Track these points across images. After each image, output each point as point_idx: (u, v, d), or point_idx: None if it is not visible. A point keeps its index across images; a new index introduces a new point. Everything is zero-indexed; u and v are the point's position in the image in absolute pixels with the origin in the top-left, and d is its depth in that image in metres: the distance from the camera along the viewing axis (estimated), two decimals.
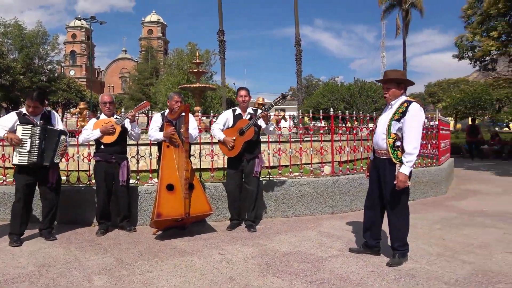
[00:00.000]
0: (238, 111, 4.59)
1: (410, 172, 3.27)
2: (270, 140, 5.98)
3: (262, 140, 6.20)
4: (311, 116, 5.79)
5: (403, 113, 3.23)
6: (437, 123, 7.36)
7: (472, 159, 14.12)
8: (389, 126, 3.29)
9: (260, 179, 5.25)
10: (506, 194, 6.90)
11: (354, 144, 6.02)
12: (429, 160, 7.09)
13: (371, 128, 6.35)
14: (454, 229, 4.53)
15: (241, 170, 4.52)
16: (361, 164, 5.92)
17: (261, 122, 4.44)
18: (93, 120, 4.50)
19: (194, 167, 5.00)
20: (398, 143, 3.25)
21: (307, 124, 5.79)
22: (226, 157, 4.62)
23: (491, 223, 4.79)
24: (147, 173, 5.34)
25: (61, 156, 4.10)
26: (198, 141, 5.36)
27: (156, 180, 4.67)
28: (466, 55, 13.68)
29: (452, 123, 33.87)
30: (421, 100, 46.71)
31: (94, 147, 4.54)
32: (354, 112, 6.55)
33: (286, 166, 5.89)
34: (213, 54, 34.86)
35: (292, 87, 66.62)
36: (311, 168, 5.61)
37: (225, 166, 4.72)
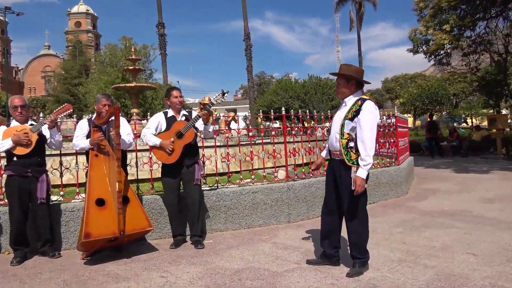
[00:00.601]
0: (171, 113, 4.54)
1: (367, 175, 3.34)
2: (218, 144, 5.91)
3: (208, 144, 6.16)
4: (261, 116, 5.79)
5: (357, 112, 3.29)
6: (394, 120, 7.67)
7: (432, 157, 14.94)
8: (342, 125, 3.35)
9: (207, 187, 5.17)
10: (465, 192, 7.35)
11: (309, 145, 6.11)
12: (388, 159, 7.37)
13: (327, 128, 6.48)
14: (415, 231, 4.72)
15: (180, 178, 4.44)
16: (321, 170, 6.00)
17: (198, 124, 4.43)
18: (2, 127, 4.16)
19: (131, 177, 4.81)
20: (352, 144, 3.31)
21: (259, 125, 5.80)
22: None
23: (451, 223, 5.05)
24: (74, 188, 5.05)
25: None
26: (134, 148, 5.19)
27: (84, 195, 4.42)
28: (421, 49, 14.49)
29: (411, 120, 35.78)
30: (377, 97, 48.79)
31: (5, 159, 4.20)
32: (308, 110, 6.65)
33: (236, 172, 5.85)
34: (152, 49, 34.24)
35: (243, 85, 67.18)
36: (264, 174, 5.61)
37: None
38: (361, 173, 3.23)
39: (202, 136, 4.68)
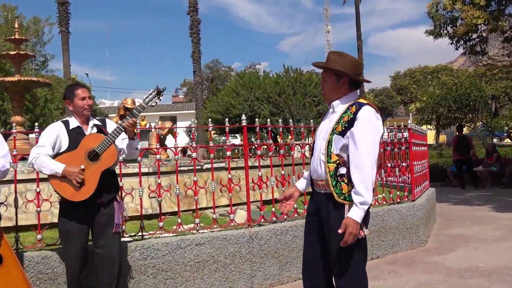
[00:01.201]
0: (75, 122, 4.45)
1: (367, 215, 3.35)
2: (144, 169, 5.86)
3: (129, 170, 6.09)
4: (211, 129, 5.78)
5: (350, 122, 3.32)
6: (407, 134, 7.82)
7: (463, 188, 15.36)
8: (330, 142, 3.37)
9: (127, 237, 5.11)
10: (509, 239, 7.59)
11: (283, 172, 6.12)
12: (397, 192, 7.51)
13: (310, 145, 6.54)
14: None
15: (90, 223, 4.35)
16: (295, 205, 6.02)
17: (118, 140, 4.38)
18: None
19: (6, 224, 4.65)
20: (343, 170, 3.32)
21: (209, 141, 5.80)
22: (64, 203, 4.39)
23: (489, 287, 5.17)
24: None
25: None
26: (14, 178, 5.05)
27: None
28: (445, 31, 14.93)
29: (432, 133, 36.72)
30: (384, 100, 49.52)
31: None
32: (281, 120, 6.69)
33: (173, 213, 5.79)
34: (47, 24, 33.78)
35: (186, 80, 67.10)
36: (215, 216, 5.58)
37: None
38: (355, 213, 3.21)
39: (123, 156, 4.62)
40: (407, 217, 7.12)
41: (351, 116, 3.34)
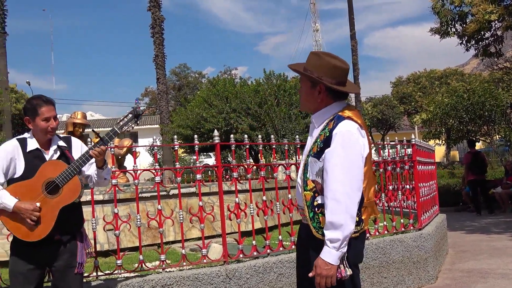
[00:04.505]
0: (34, 143, 4.34)
1: (357, 248, 3.25)
2: (98, 197, 5.82)
3: (81, 199, 6.03)
4: (177, 148, 5.77)
5: (326, 141, 3.22)
6: (411, 151, 7.83)
7: (479, 213, 15.49)
8: (306, 166, 3.33)
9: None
10: None
11: (264, 197, 6.11)
12: (401, 220, 7.51)
13: (296, 164, 6.56)
14: None
15: (46, 263, 4.31)
16: (280, 236, 6.04)
17: (85, 167, 4.31)
18: None
19: None
20: (321, 200, 3.23)
21: (175, 162, 5.78)
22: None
23: None
24: None
25: None
26: None
27: None
28: (453, 29, 15.06)
29: (441, 149, 36.96)
30: (384, 110, 49.63)
31: None
32: (261, 136, 6.71)
33: (134, 249, 5.76)
34: None
35: (148, 89, 66.77)
36: (184, 251, 5.56)
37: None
38: (327, 254, 3.08)
39: (91, 185, 4.56)
40: (413, 249, 7.12)
41: (327, 134, 3.22)
